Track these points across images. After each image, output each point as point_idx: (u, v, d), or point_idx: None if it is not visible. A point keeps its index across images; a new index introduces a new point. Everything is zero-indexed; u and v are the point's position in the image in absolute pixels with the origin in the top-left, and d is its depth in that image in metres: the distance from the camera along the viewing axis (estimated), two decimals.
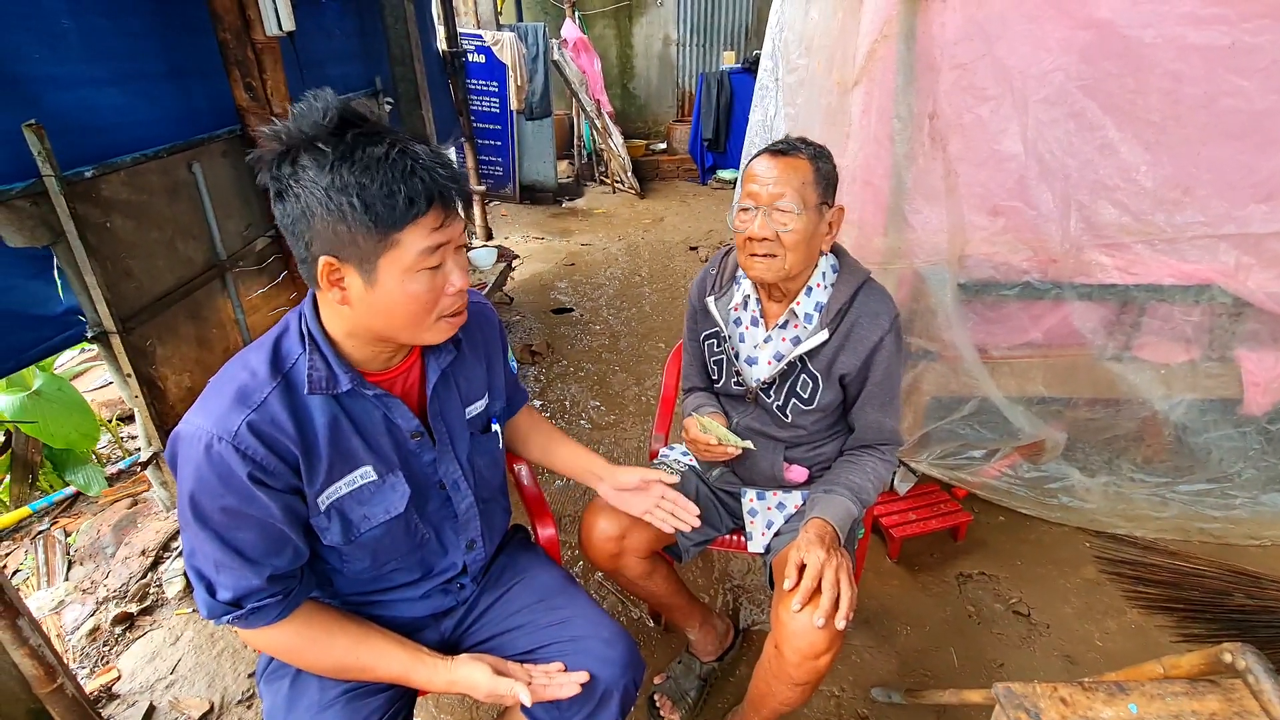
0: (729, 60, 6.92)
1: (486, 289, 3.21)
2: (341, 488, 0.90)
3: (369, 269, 0.78)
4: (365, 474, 0.91)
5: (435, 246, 0.79)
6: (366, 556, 0.96)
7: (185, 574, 1.79)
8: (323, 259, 0.78)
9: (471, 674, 0.94)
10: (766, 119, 2.48)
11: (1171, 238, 1.77)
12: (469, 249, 3.70)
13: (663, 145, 7.59)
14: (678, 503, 1.15)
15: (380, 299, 0.80)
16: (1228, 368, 1.93)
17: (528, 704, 0.93)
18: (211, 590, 0.85)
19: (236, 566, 0.83)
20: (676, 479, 1.18)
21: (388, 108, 3.26)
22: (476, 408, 1.06)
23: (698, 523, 1.15)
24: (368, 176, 0.74)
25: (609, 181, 6.73)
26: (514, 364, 1.22)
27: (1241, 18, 1.53)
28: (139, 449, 2.40)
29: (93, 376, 2.77)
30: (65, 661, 1.35)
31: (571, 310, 3.86)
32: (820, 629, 1.06)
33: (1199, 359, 1.93)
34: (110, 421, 2.46)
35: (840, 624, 1.07)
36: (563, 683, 0.97)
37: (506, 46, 5.24)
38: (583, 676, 0.98)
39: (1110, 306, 1.89)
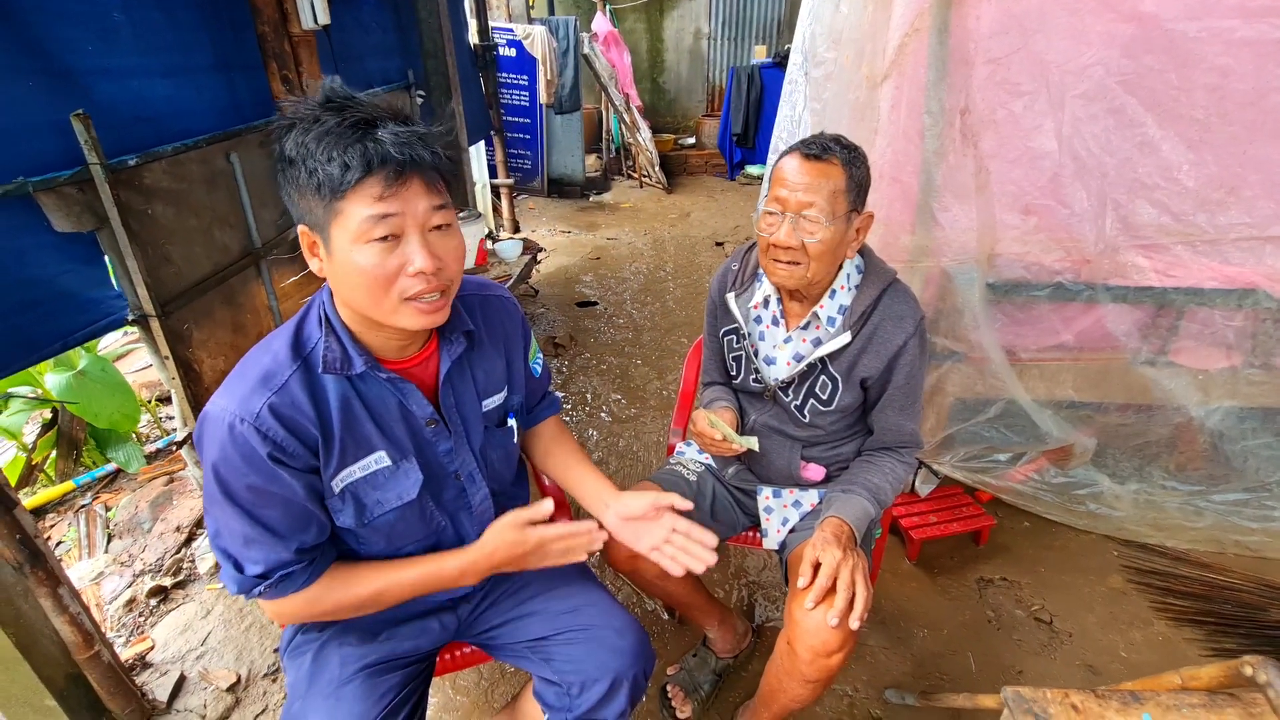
0: (760, 54, 6.86)
1: (511, 281, 3.24)
2: (355, 471, 0.91)
3: (326, 237, 0.79)
4: (379, 459, 0.93)
5: (381, 216, 0.76)
6: (381, 539, 0.98)
7: None
8: (299, 227, 0.82)
9: (499, 532, 0.98)
10: (795, 114, 2.45)
11: (1214, 239, 1.70)
12: (494, 240, 3.74)
13: (691, 140, 7.56)
14: (690, 535, 1.02)
15: (337, 269, 0.80)
16: (1271, 375, 1.85)
17: (549, 511, 0.98)
18: (239, 567, 0.88)
19: (266, 542, 0.86)
20: (689, 505, 1.04)
21: (419, 101, 3.31)
22: (493, 401, 1.06)
23: (713, 559, 1.01)
24: (318, 145, 0.75)
25: (636, 176, 6.73)
26: (536, 366, 1.20)
27: None
28: (175, 429, 2.49)
29: (135, 359, 2.88)
30: (103, 630, 1.41)
31: (596, 304, 3.88)
32: (834, 628, 1.06)
33: (1241, 365, 1.86)
34: (150, 402, 2.56)
35: (854, 624, 1.06)
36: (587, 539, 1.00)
37: (537, 40, 5.27)
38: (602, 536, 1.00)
39: (1146, 309, 1.83)
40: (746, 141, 6.63)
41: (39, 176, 1.33)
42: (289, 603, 0.92)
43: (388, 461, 0.94)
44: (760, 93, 6.37)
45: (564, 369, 3.12)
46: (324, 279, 0.87)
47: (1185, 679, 0.71)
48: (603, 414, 2.75)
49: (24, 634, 1.24)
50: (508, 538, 0.98)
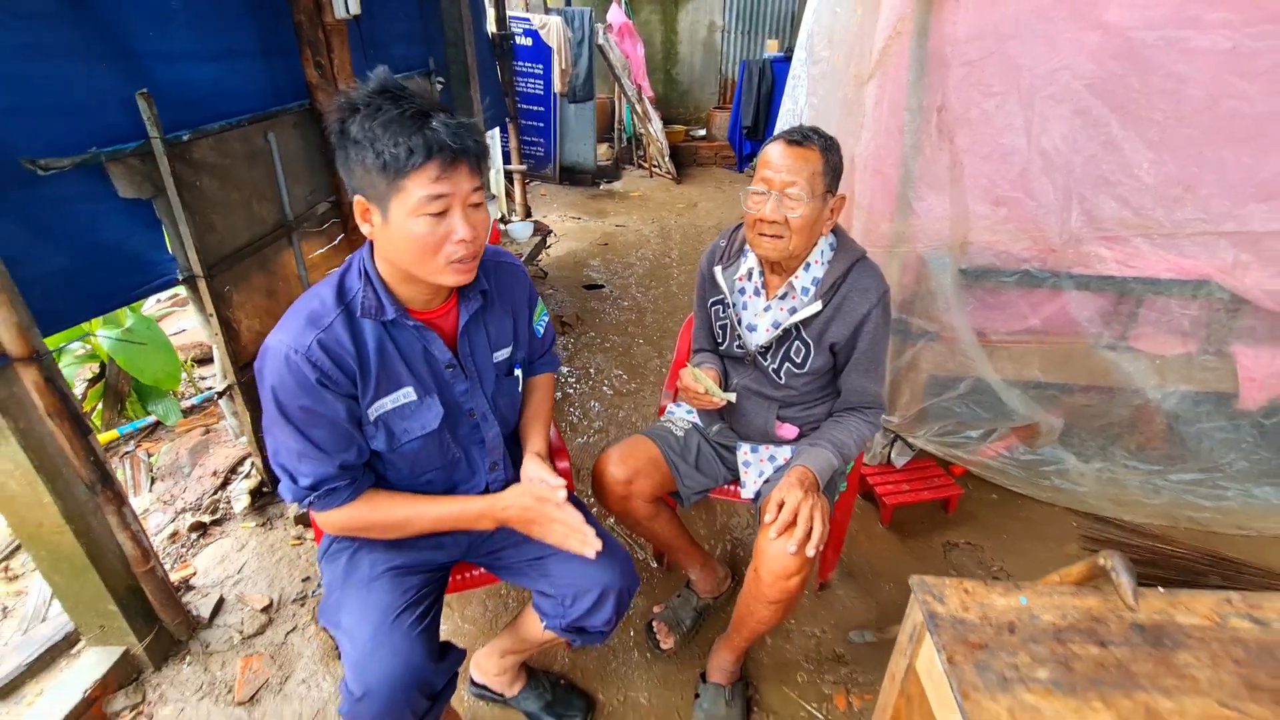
0: (772, 48, 6.95)
1: (521, 260, 3.41)
2: (387, 404, 1.09)
3: (384, 208, 0.95)
4: (407, 394, 1.10)
5: (436, 196, 0.92)
6: (405, 465, 1.15)
7: (250, 493, 2.04)
8: (356, 197, 0.98)
9: (517, 496, 1.15)
10: (797, 108, 2.59)
11: (1171, 233, 1.84)
12: (506, 222, 3.90)
13: (702, 132, 7.67)
14: (569, 522, 1.14)
15: (392, 235, 0.96)
16: (1224, 362, 1.99)
17: (562, 499, 1.13)
18: (294, 479, 1.06)
19: (314, 456, 1.04)
20: (562, 485, 1.17)
21: (439, 87, 3.46)
22: (502, 353, 1.23)
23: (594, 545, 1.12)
24: (384, 131, 0.90)
25: (647, 166, 6.87)
26: (539, 327, 1.35)
27: (1245, 22, 1.59)
28: (210, 388, 2.68)
29: (171, 323, 3.08)
30: (155, 552, 1.60)
31: (602, 286, 4.04)
32: (792, 555, 1.22)
33: (1195, 352, 2.00)
34: (186, 362, 2.75)
35: (810, 552, 1.23)
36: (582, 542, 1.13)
37: (553, 30, 5.41)
38: (597, 546, 1.13)
39: (1108, 297, 1.97)
40: (756, 134, 6.74)
41: (109, 148, 1.50)
42: (334, 516, 1.10)
43: (414, 396, 1.11)
44: (771, 86, 6.47)
45: (569, 346, 3.29)
46: (367, 240, 1.04)
47: (1061, 576, 0.87)
48: (605, 388, 2.92)
49: (93, 546, 1.43)
50: (523, 502, 1.15)
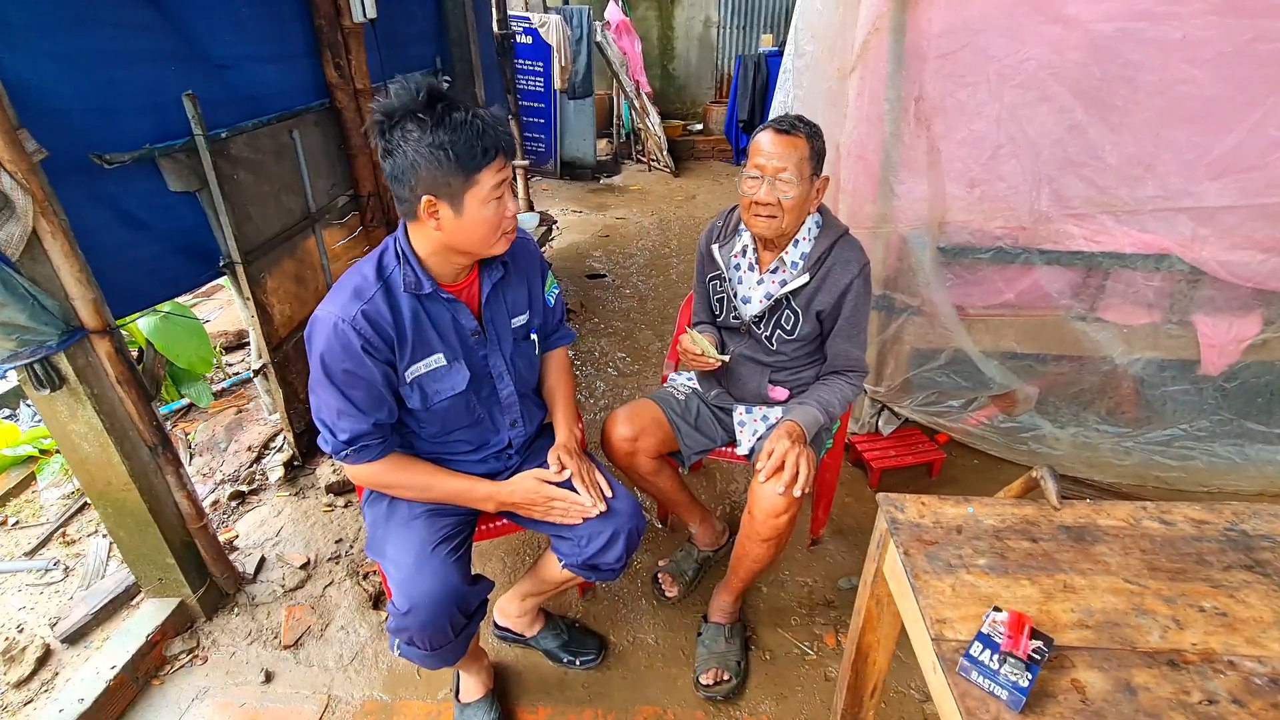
0: (767, 43, 7.08)
1: None
2: (420, 368, 1.24)
3: (458, 202, 1.10)
4: (437, 359, 1.26)
5: (500, 182, 1.11)
6: (437, 422, 1.31)
7: (283, 466, 2.20)
8: (424, 198, 1.10)
9: (520, 480, 1.33)
10: (788, 100, 2.73)
11: (1133, 210, 1.99)
12: None
13: (699, 126, 7.81)
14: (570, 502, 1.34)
15: (466, 223, 1.12)
16: (1186, 330, 2.14)
17: (562, 478, 1.33)
18: (333, 433, 1.21)
19: (352, 414, 1.19)
20: (589, 504, 1.34)
21: (445, 85, 3.61)
22: (520, 320, 1.39)
23: (595, 506, 1.33)
24: (455, 135, 1.05)
25: (645, 160, 7.01)
26: (550, 297, 1.51)
27: (1191, 14, 1.74)
28: (236, 374, 2.84)
29: (197, 313, 3.23)
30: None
31: (605, 276, 4.19)
32: (781, 495, 1.38)
33: (1160, 322, 2.15)
34: (215, 349, 2.90)
35: (796, 493, 1.38)
36: (581, 511, 1.33)
37: (553, 28, 5.55)
38: (601, 508, 1.33)
39: (1077, 271, 2.12)
40: (752, 128, 6.82)
41: (160, 144, 1.66)
42: (364, 470, 1.26)
43: (443, 361, 1.27)
44: (766, 80, 6.60)
45: (575, 331, 3.44)
46: (400, 224, 1.20)
47: (1005, 492, 1.03)
48: (610, 369, 3.08)
49: (155, 502, 1.58)
50: (526, 485, 1.33)
